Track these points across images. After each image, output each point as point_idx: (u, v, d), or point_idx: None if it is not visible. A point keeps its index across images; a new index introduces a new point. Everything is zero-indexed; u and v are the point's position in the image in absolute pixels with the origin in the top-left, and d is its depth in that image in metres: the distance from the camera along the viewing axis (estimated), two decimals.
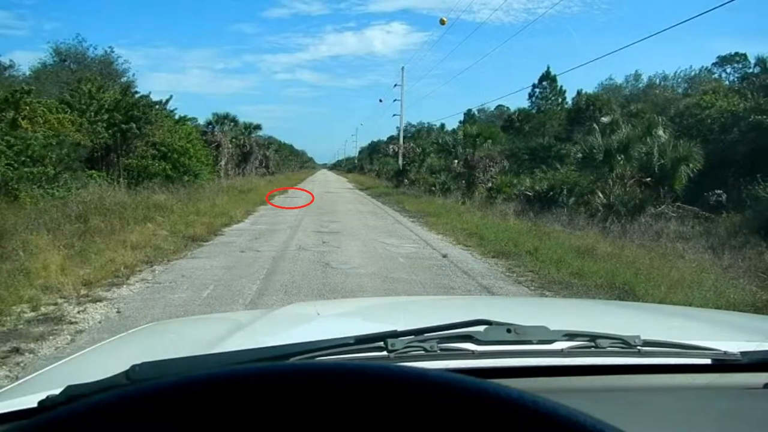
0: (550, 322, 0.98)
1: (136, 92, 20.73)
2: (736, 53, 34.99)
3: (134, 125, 18.68)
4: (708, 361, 1.00)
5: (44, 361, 3.63)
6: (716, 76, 34.38)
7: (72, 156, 15.34)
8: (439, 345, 0.91)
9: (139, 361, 0.74)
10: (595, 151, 15.63)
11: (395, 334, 0.90)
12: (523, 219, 13.71)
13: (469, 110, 47.90)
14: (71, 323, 4.44)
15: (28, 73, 24.85)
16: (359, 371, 0.48)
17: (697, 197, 16.09)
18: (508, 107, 40.74)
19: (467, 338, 0.92)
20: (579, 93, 31.73)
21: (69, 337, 4.11)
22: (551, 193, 18.05)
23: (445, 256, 8.15)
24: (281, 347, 0.84)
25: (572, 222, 13.14)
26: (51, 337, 4.09)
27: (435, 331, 0.93)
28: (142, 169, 19.12)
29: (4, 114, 13.32)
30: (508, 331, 0.93)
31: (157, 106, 20.52)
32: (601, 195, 13.78)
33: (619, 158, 15.39)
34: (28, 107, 14.11)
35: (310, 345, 0.85)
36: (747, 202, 14.48)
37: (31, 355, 3.73)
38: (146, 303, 5.11)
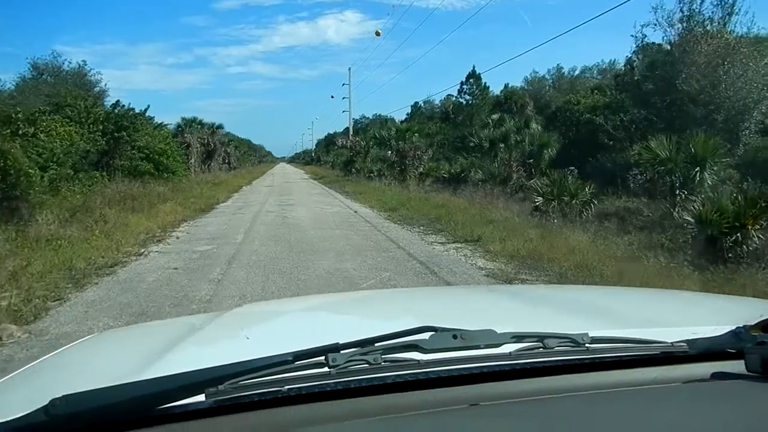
0: (494, 320, 1.06)
1: (123, 105, 26.30)
2: (652, 42, 42.03)
3: (124, 133, 24.25)
4: (657, 354, 1.04)
5: (172, 242, 9.70)
6: (622, 67, 41.36)
7: (83, 161, 21.02)
8: (384, 357, 0.92)
9: (68, 386, 0.79)
10: (483, 141, 22.23)
11: (336, 348, 0.91)
12: (429, 193, 20.14)
13: (416, 103, 54.43)
14: (171, 236, 10.56)
15: (12, 87, 29.89)
16: None
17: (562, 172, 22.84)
18: (456, 97, 47.47)
19: (412, 347, 0.93)
20: (505, 87, 38.54)
21: (175, 238, 10.23)
22: (462, 174, 24.45)
23: (355, 212, 14.51)
24: (214, 369, 0.85)
25: (463, 192, 19.57)
26: (168, 238, 10.18)
27: (379, 341, 0.94)
28: (132, 169, 24.62)
29: (27, 130, 18.92)
30: (455, 337, 0.95)
31: (140, 116, 26.10)
32: (480, 172, 20.27)
33: (501, 146, 22.00)
34: (44, 123, 19.81)
35: (245, 365, 0.86)
36: (590, 174, 21.33)
37: (166, 241, 9.80)
38: (198, 230, 11.25)
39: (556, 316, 1.53)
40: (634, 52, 32.65)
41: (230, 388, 0.84)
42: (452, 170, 25.50)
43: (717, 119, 14.81)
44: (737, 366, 0.99)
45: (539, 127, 22.57)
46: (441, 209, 13.82)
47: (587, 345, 1.01)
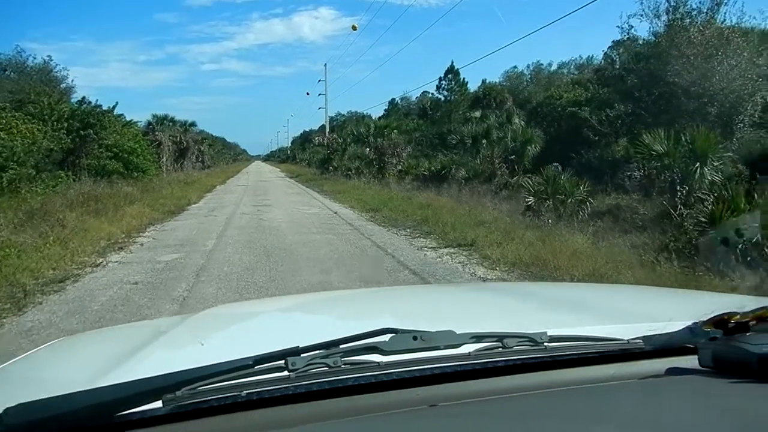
0: (456, 320, 1.09)
1: (90, 102, 25.01)
2: (629, 37, 41.72)
3: (91, 131, 23.02)
4: (614, 351, 1.06)
5: (136, 249, 8.73)
6: (601, 62, 41.01)
7: (46, 160, 19.79)
8: (343, 359, 0.92)
9: (25, 394, 0.78)
10: (465, 137, 21.45)
11: (296, 351, 0.90)
12: (411, 192, 19.31)
13: (393, 99, 53.58)
14: (134, 242, 9.55)
15: None
16: None
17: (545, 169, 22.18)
18: (433, 93, 46.71)
19: (372, 349, 0.93)
20: (483, 82, 37.87)
21: (139, 245, 9.24)
22: (443, 171, 23.65)
23: (335, 213, 13.58)
24: (172, 375, 0.85)
25: (446, 190, 18.79)
26: (131, 245, 9.18)
27: (338, 344, 0.93)
28: (100, 168, 23.41)
29: None
30: (414, 338, 0.95)
31: (108, 113, 24.83)
32: (463, 170, 19.50)
33: (483, 142, 21.24)
34: (4, 121, 18.53)
35: (203, 371, 0.86)
36: (575, 170, 20.70)
37: (129, 248, 8.82)
38: (165, 235, 10.25)
39: (518, 314, 1.60)
40: (611, 46, 32.21)
41: (188, 394, 0.83)
42: (433, 167, 24.71)
43: (710, 112, 14.20)
44: (691, 361, 1.02)
45: (522, 123, 21.88)
46: (426, 209, 12.99)
47: (545, 344, 1.01)
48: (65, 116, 22.28)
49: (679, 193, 10.73)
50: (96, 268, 7.35)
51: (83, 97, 26.09)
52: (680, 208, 10.02)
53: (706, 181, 10.76)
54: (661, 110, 16.99)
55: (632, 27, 18.69)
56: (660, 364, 1.04)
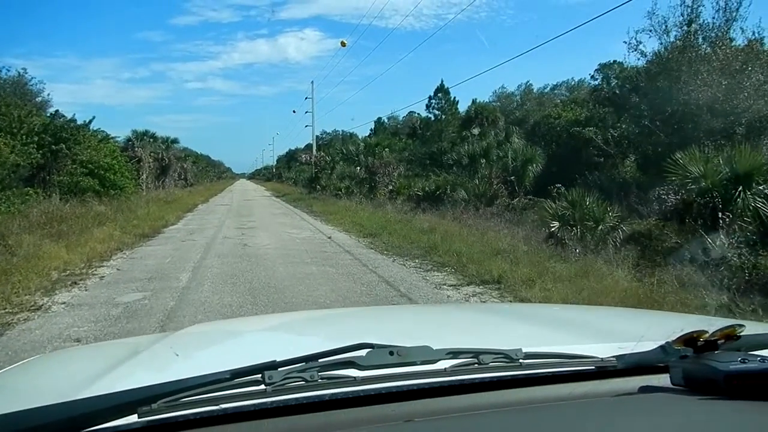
0: (434, 337, 1.13)
1: (62, 115, 23.27)
2: (614, 61, 40.94)
3: (63, 146, 21.27)
4: (588, 369, 1.06)
5: (94, 283, 7.09)
6: (597, 83, 40.17)
7: (12, 176, 18.02)
8: (320, 374, 0.91)
9: (3, 407, 0.78)
10: (462, 156, 20.04)
11: (273, 365, 0.90)
12: (407, 214, 17.81)
13: (379, 118, 52.28)
14: (94, 275, 7.89)
15: None
16: None
17: (546, 190, 20.81)
18: (418, 113, 45.45)
19: (349, 364, 0.93)
20: (473, 102, 36.67)
21: (98, 279, 7.59)
22: (438, 192, 22.18)
23: (329, 237, 12.00)
24: (149, 388, 0.84)
25: (444, 212, 17.30)
26: (88, 279, 7.54)
27: (315, 359, 0.93)
28: (74, 185, 21.64)
29: None
30: (391, 353, 0.95)
31: (83, 128, 23.10)
32: (463, 191, 18.04)
33: (482, 162, 19.84)
34: None
35: (180, 384, 0.85)
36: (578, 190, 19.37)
37: (84, 284, 7.18)
38: (132, 265, 8.61)
39: (495, 332, 1.63)
40: (598, 68, 31.06)
41: (164, 407, 0.81)
42: (427, 188, 23.23)
43: (736, 131, 12.93)
44: (664, 379, 1.02)
45: (522, 142, 20.56)
46: (431, 234, 11.47)
47: (521, 360, 1.01)
48: (36, 130, 20.58)
49: (721, 221, 9.35)
50: (34, 312, 5.70)
51: (56, 111, 24.42)
52: (723, 239, 8.64)
53: (750, 207, 9.41)
54: (675, 129, 15.73)
55: (640, 43, 17.47)
56: (633, 382, 1.04)
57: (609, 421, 0.91)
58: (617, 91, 21.55)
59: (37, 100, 28.07)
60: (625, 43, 17.66)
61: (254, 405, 0.87)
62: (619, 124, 19.04)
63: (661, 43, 16.54)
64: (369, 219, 15.34)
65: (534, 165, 19.34)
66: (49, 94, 29.28)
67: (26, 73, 29.05)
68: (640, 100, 17.69)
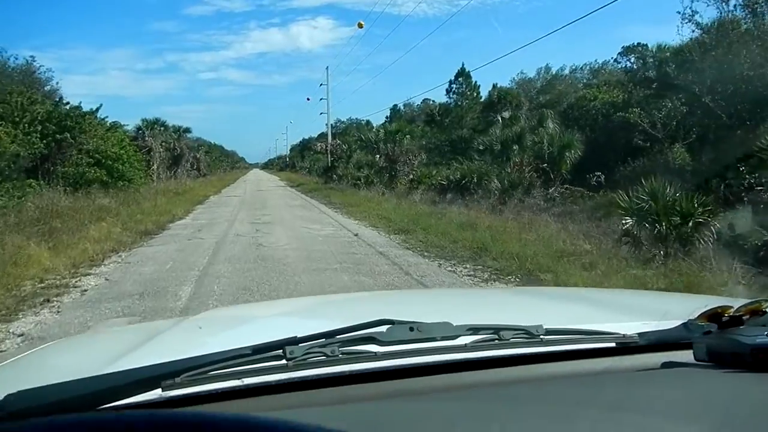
0: (456, 316, 1.02)
1: (68, 102, 21.72)
2: (638, 43, 38.76)
3: (68, 135, 19.71)
4: (609, 345, 1.04)
5: (69, 303, 5.52)
6: (622, 65, 38.05)
7: (12, 167, 16.50)
8: (341, 349, 0.90)
9: (28, 386, 0.75)
10: (494, 142, 18.27)
11: (294, 341, 0.89)
12: (436, 205, 16.13)
13: (395, 106, 50.44)
14: (75, 287, 6.31)
15: None
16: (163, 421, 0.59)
17: (583, 179, 18.97)
18: (433, 101, 43.50)
19: (369, 339, 0.91)
20: (494, 87, 34.70)
21: (79, 294, 6.00)
22: (463, 181, 20.43)
23: (356, 234, 10.34)
24: (171, 363, 0.84)
25: (473, 205, 15.60)
26: (66, 295, 5.95)
27: (336, 335, 0.92)
28: (79, 176, 20.14)
29: None
30: (411, 329, 0.93)
31: (89, 116, 21.55)
32: (496, 180, 16.30)
33: (515, 148, 18.06)
34: None
35: (202, 359, 0.84)
36: (620, 182, 17.54)
37: (58, 303, 5.60)
38: (124, 274, 7.02)
39: (515, 310, 1.60)
40: (621, 53, 29.01)
41: (187, 381, 0.81)
42: (451, 176, 21.49)
43: None
44: (686, 356, 1.00)
45: (556, 126, 18.72)
46: (474, 231, 9.80)
47: (541, 336, 0.99)
48: (39, 118, 19.05)
49: None
50: None
51: (60, 98, 22.88)
52: None
53: None
54: (738, 109, 13.89)
55: (696, 13, 15.56)
56: (655, 358, 1.03)
57: (630, 394, 0.89)
58: (661, 70, 19.64)
59: (45, 89, 26.61)
60: (679, 13, 15.77)
61: (276, 380, 0.86)
62: (665, 105, 17.15)
63: (720, 13, 14.68)
64: (395, 212, 13.67)
65: (572, 151, 17.54)
66: (57, 83, 27.74)
67: (34, 61, 27.49)
68: (691, 78, 15.81)
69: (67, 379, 0.80)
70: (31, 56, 29.45)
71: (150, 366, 0.82)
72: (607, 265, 6.79)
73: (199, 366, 0.83)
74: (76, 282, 6.57)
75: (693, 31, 15.96)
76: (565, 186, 18.17)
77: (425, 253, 8.30)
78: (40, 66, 27.69)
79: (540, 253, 7.61)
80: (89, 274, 7.00)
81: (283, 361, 0.86)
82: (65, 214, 12.00)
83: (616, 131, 20.88)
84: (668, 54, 20.27)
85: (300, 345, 0.88)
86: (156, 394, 0.80)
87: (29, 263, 7.27)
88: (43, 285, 6.38)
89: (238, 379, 0.85)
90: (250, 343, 0.87)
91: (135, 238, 10.02)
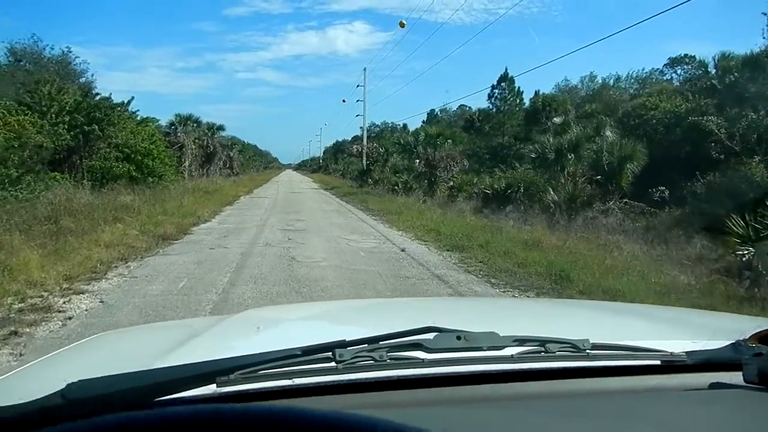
0: (501, 326, 1.00)
1: (97, 93, 20.69)
2: (686, 55, 36.59)
3: (96, 127, 18.60)
4: (656, 363, 1.01)
5: (41, 341, 4.11)
6: (667, 77, 35.93)
7: (35, 158, 15.37)
8: (389, 354, 0.90)
9: (83, 376, 0.75)
10: (547, 150, 16.56)
11: (343, 344, 0.89)
12: (480, 216, 14.53)
13: (432, 110, 48.92)
14: (59, 312, 4.91)
15: None
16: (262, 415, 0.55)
17: (643, 193, 17.10)
18: (470, 107, 41.82)
19: (417, 346, 0.91)
20: (537, 93, 32.89)
21: (60, 323, 4.59)
22: (509, 191, 18.73)
23: (403, 250, 8.80)
24: (224, 361, 0.84)
25: (525, 218, 13.94)
26: (44, 323, 4.55)
27: (384, 340, 0.91)
28: (106, 170, 19.07)
29: None
30: (458, 338, 0.93)
31: (119, 108, 20.46)
32: (552, 192, 14.61)
33: (570, 157, 16.31)
34: None
35: (255, 358, 0.85)
36: (687, 198, 15.65)
37: (28, 337, 4.19)
38: (126, 294, 5.60)
39: (561, 323, 1.55)
40: (667, 64, 26.70)
41: (240, 378, 0.82)
42: (495, 185, 19.81)
43: None
44: (735, 377, 0.97)
45: (615, 135, 16.94)
46: (540, 251, 8.21)
47: (588, 351, 0.97)
48: (67, 108, 17.97)
49: None
50: None
51: (88, 88, 21.85)
52: None
53: None
54: None
55: None
56: (703, 378, 0.99)
57: (678, 414, 0.88)
58: (724, 80, 17.73)
59: (80, 80, 25.74)
60: (764, 14, 13.92)
61: (325, 381, 0.86)
62: (745, 115, 15.25)
63: None
64: (442, 222, 12.08)
65: (634, 163, 15.72)
66: (92, 75, 26.80)
67: (70, 52, 26.60)
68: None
69: (124, 371, 0.79)
70: (67, 47, 28.62)
71: (206, 362, 0.83)
72: (727, 307, 5.17)
73: (252, 364, 0.83)
74: (62, 304, 5.16)
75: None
76: (624, 201, 16.37)
77: (492, 280, 6.71)
78: (76, 57, 26.79)
79: (639, 288, 5.98)
80: (83, 292, 5.60)
81: (333, 364, 0.87)
82: (80, 213, 10.74)
83: (678, 142, 18.99)
84: (732, 63, 18.36)
85: (349, 348, 0.88)
86: (210, 389, 0.80)
87: (17, 273, 5.94)
88: (21, 306, 5.00)
89: (289, 378, 0.86)
90: (298, 344, 0.87)
91: (150, 244, 8.64)
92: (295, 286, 6.00)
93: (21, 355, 3.81)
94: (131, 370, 0.81)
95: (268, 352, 0.85)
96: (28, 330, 4.35)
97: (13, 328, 4.34)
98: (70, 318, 4.74)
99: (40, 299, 5.26)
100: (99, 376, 0.74)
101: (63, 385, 0.72)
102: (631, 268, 7.15)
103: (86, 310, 5.00)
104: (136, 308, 5.02)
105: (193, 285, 6.00)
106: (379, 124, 61.62)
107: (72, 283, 5.94)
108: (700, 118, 16.05)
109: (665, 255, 8.88)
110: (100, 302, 5.28)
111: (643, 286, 6.09)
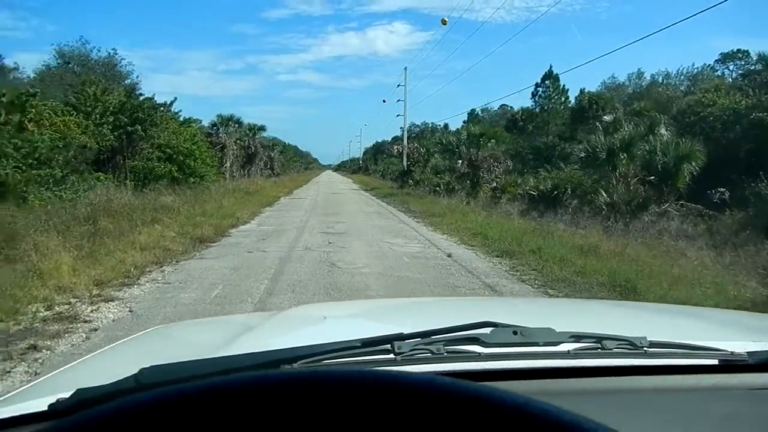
0: (556, 323, 0.98)
1: (141, 94, 20.80)
2: (738, 50, 34.89)
3: (139, 127, 18.67)
4: (715, 362, 0.99)
5: (61, 357, 3.74)
6: (719, 73, 34.34)
7: (79, 158, 15.41)
8: (446, 347, 0.90)
9: (146, 365, 0.75)
10: (598, 150, 15.74)
11: (402, 337, 0.89)
12: (527, 218, 13.85)
13: (473, 110, 48.11)
14: (85, 322, 4.56)
15: (32, 75, 25.01)
16: (358, 377, 0.48)
17: (700, 195, 16.09)
18: (511, 107, 40.83)
19: (473, 340, 0.91)
20: (582, 92, 31.78)
21: (84, 335, 4.24)
22: (555, 192, 17.98)
23: (449, 255, 8.26)
24: (288, 350, 0.84)
25: (576, 221, 13.22)
26: (66, 335, 4.21)
27: (441, 333, 0.91)
28: (148, 171, 19.10)
29: (10, 117, 13.39)
30: (514, 333, 0.92)
31: (161, 108, 20.52)
32: (604, 194, 13.83)
33: (622, 157, 15.46)
34: (34, 110, 14.17)
35: (316, 348, 0.85)
36: (750, 199, 14.59)
37: (49, 352, 3.84)
38: (157, 302, 5.24)
39: (618, 321, 1.51)
40: (721, 58, 25.55)
41: (303, 367, 0.82)
42: (541, 186, 19.03)
43: None
44: None
45: (671, 134, 15.99)
46: (598, 259, 7.58)
47: (645, 348, 0.95)
48: (111, 109, 18.05)
49: None
50: None
51: (132, 89, 21.99)
52: None
53: None
54: None
55: None
56: (764, 378, 0.96)
57: (739, 413, 0.86)
58: None
59: (126, 82, 26.04)
60: None
61: None
62: None
63: None
64: (488, 225, 11.48)
65: (693, 163, 14.78)
66: (138, 77, 27.11)
67: (116, 54, 26.94)
68: None
69: (192, 358, 0.80)
70: (113, 49, 29.00)
71: (271, 351, 0.85)
72: None
73: (315, 354, 0.83)
74: (90, 312, 4.82)
75: None
76: (681, 202, 15.41)
77: (549, 291, 6.12)
78: (122, 59, 27.12)
79: (718, 303, 5.31)
80: (112, 300, 5.26)
81: (391, 356, 0.87)
82: (120, 213, 10.56)
83: (737, 140, 17.88)
84: None
85: (407, 341, 0.89)
86: None
87: (47, 277, 5.66)
88: (46, 314, 4.69)
89: (351, 368, 0.83)
90: (356, 336, 0.88)
91: (187, 247, 8.34)
92: (335, 296, 5.54)
93: (36, 374, 3.44)
94: (202, 355, 0.83)
95: (330, 343, 0.87)
96: (48, 343, 4.00)
97: (33, 341, 4.00)
98: (95, 330, 4.38)
99: (68, 307, 4.94)
100: (165, 362, 0.75)
101: (133, 371, 0.72)
102: (702, 278, 6.45)
103: (113, 321, 4.64)
104: (165, 319, 4.63)
105: (228, 293, 5.60)
106: (420, 124, 61.15)
107: (103, 288, 5.62)
108: (764, 114, 14.91)
109: (736, 263, 8.11)
110: (129, 311, 4.92)
111: (721, 300, 5.42)
